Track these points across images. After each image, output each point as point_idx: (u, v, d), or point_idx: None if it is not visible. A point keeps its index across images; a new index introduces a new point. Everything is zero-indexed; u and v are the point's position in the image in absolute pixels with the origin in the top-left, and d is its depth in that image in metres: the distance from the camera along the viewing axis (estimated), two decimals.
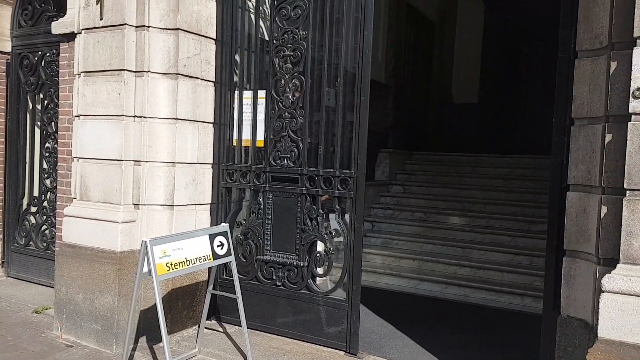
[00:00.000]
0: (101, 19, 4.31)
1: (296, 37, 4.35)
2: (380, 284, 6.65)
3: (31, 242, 5.92)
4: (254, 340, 4.29)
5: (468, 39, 10.99)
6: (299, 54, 4.35)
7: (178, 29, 4.34)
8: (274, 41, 4.46)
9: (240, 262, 4.57)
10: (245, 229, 4.66)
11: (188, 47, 4.43)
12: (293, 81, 4.41)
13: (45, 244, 5.80)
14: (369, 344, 4.41)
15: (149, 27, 4.26)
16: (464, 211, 7.88)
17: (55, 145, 5.48)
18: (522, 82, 10.80)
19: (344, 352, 4.16)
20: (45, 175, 5.81)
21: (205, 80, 4.64)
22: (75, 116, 4.56)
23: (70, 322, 4.45)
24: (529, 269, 6.37)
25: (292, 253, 4.42)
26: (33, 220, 5.95)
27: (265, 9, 4.66)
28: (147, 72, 4.28)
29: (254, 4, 4.59)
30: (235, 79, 4.74)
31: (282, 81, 4.45)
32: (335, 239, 4.29)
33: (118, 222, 4.24)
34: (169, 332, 4.20)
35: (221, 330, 4.62)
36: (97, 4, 4.31)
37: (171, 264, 3.51)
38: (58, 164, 5.02)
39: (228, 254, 3.94)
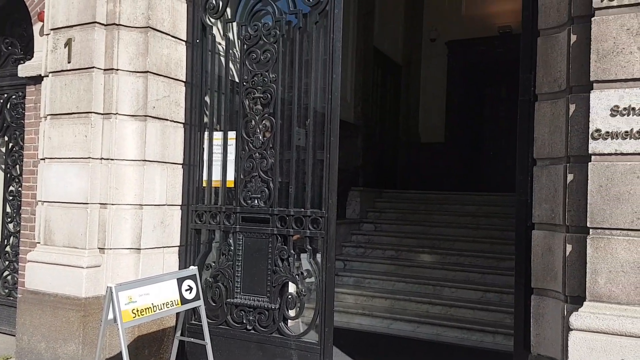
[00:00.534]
0: (69, 62, 4.31)
1: (266, 79, 4.40)
2: (353, 324, 6.57)
3: None
4: None
5: (433, 81, 11.31)
6: (269, 95, 4.39)
7: (147, 71, 4.35)
8: (244, 83, 4.50)
9: (209, 306, 4.46)
10: (215, 272, 4.58)
11: (157, 89, 4.44)
12: (263, 122, 4.44)
13: (7, 291, 5.57)
14: None
15: (117, 70, 4.26)
16: (434, 248, 7.92)
17: (20, 189, 5.35)
18: (486, 122, 11.13)
19: None
20: (9, 219, 5.64)
21: (175, 121, 4.63)
22: (41, 159, 4.49)
23: None
24: (500, 306, 6.40)
25: (263, 295, 4.35)
26: None
27: (235, 52, 4.72)
28: (115, 114, 4.27)
29: (224, 47, 4.65)
30: (206, 120, 4.74)
31: (253, 122, 4.47)
32: (307, 280, 4.24)
33: (83, 267, 4.13)
34: None
35: None
36: (65, 47, 4.32)
37: (137, 311, 3.42)
38: (22, 207, 4.90)
39: (197, 298, 3.86)
